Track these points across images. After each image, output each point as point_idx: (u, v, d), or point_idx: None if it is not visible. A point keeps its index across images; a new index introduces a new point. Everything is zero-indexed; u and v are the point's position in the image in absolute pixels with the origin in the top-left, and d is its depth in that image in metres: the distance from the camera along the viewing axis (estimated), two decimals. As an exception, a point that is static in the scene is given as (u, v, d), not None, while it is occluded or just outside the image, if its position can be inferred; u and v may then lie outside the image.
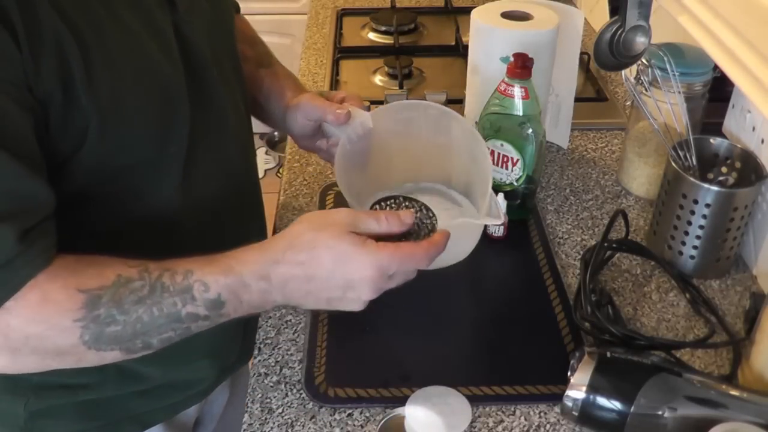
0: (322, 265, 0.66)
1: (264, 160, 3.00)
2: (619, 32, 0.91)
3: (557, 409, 0.79)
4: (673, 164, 0.94)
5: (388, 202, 0.79)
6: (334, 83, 1.45)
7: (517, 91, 0.96)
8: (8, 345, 0.62)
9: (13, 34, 0.57)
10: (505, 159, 1.01)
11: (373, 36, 1.67)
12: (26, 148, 0.61)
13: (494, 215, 0.81)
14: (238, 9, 1.06)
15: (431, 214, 0.78)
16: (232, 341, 0.92)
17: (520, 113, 0.97)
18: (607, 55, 0.93)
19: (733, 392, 0.73)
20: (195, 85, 0.75)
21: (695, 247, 0.95)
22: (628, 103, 1.27)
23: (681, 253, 0.96)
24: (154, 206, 0.75)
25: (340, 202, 1.10)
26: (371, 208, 0.80)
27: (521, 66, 0.95)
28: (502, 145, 1.00)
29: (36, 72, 0.59)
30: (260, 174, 2.94)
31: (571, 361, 0.77)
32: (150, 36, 0.69)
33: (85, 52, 0.62)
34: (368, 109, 0.94)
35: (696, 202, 0.91)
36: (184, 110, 0.74)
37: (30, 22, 0.58)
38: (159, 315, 0.64)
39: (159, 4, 0.72)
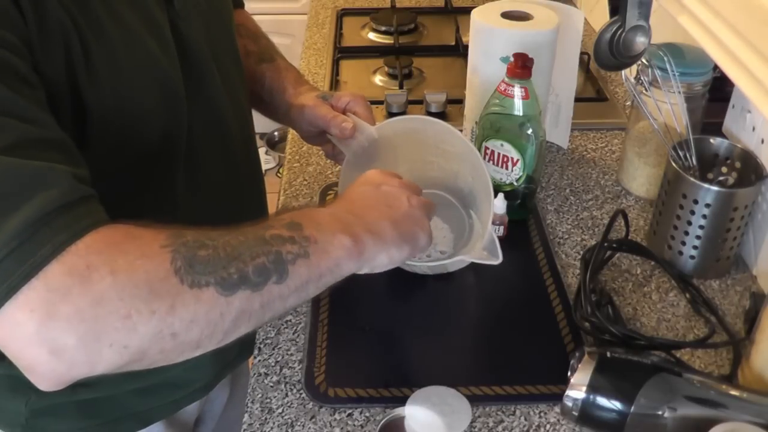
0: (351, 188, 0.74)
1: (264, 160, 3.00)
2: (619, 32, 0.91)
3: (557, 409, 0.79)
4: (673, 164, 0.94)
5: None
6: (334, 83, 1.45)
7: (517, 91, 0.96)
8: (90, 295, 0.52)
9: (24, 17, 0.57)
10: (505, 159, 1.01)
11: (373, 36, 1.67)
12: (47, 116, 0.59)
13: (492, 253, 0.83)
14: (241, 4, 1.05)
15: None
16: None
17: (520, 113, 0.97)
18: (607, 55, 0.93)
19: (733, 392, 0.73)
20: (192, 81, 0.75)
21: (695, 247, 0.95)
22: (628, 103, 1.27)
23: (681, 253, 0.96)
24: (155, 204, 0.75)
25: (340, 202, 1.10)
26: None
27: (521, 66, 0.95)
28: (502, 145, 1.00)
29: (44, 56, 0.59)
30: (260, 174, 2.94)
31: (571, 361, 0.77)
32: (148, 33, 0.70)
33: (86, 45, 0.62)
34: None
35: (696, 202, 0.91)
36: (182, 105, 0.74)
37: (37, 8, 0.58)
38: (245, 239, 0.60)
39: (156, 1, 0.72)
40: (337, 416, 0.80)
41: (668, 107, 0.98)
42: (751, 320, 0.85)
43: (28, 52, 0.58)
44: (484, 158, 1.02)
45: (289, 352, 0.87)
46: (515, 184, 1.03)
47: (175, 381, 0.88)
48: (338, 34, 1.66)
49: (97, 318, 0.52)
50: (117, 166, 0.69)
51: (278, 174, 2.90)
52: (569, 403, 0.73)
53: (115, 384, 0.82)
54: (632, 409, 0.71)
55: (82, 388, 0.81)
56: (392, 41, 1.62)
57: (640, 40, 0.91)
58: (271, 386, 0.83)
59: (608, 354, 0.76)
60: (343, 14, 1.76)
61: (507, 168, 1.01)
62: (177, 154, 0.75)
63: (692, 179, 0.92)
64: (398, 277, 0.93)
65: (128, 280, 0.53)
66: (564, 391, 0.74)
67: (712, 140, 0.99)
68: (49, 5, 0.59)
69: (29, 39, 0.58)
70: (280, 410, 0.81)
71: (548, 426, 0.79)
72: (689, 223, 0.93)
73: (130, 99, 0.67)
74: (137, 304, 0.53)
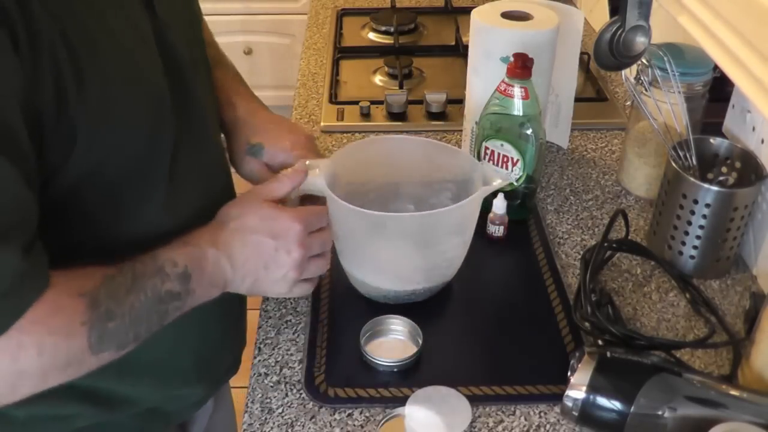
0: (251, 227, 0.75)
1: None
2: (619, 32, 0.91)
3: (557, 409, 0.79)
4: (673, 164, 0.94)
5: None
6: (334, 83, 1.45)
7: (517, 91, 0.96)
8: (15, 369, 0.60)
9: (15, 40, 0.55)
10: (505, 159, 1.01)
11: (373, 36, 1.67)
12: (24, 159, 0.59)
13: (500, 177, 0.86)
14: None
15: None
16: (221, 354, 0.91)
17: (520, 113, 0.97)
18: (607, 55, 0.93)
19: (733, 392, 0.73)
20: (178, 93, 0.73)
21: (695, 247, 0.95)
22: (628, 103, 1.27)
23: (681, 253, 0.96)
24: (140, 223, 0.73)
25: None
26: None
27: (521, 66, 0.95)
28: (502, 145, 1.00)
29: (35, 82, 0.58)
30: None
31: (571, 361, 0.77)
32: (135, 43, 0.68)
33: (76, 61, 0.60)
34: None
35: (696, 202, 0.91)
36: (169, 119, 0.71)
37: (29, 29, 0.56)
38: (146, 299, 0.67)
39: (139, 8, 0.69)
40: (337, 416, 0.80)
41: (668, 107, 0.98)
42: (751, 320, 0.85)
43: (23, 86, 0.56)
44: (484, 158, 1.02)
45: (289, 352, 0.87)
46: (515, 184, 1.03)
47: (167, 402, 0.86)
48: (338, 34, 1.66)
49: (18, 386, 0.62)
50: (103, 183, 0.67)
51: (278, 174, 2.89)
52: (569, 403, 0.73)
53: (107, 414, 0.80)
54: (632, 409, 0.71)
55: (73, 419, 0.79)
56: (392, 41, 1.62)
57: (640, 40, 0.91)
58: (271, 386, 0.83)
59: (608, 354, 0.76)
60: (343, 14, 1.76)
61: (507, 168, 1.01)
62: (162, 167, 0.72)
63: (692, 179, 0.92)
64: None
65: (51, 359, 0.62)
66: (564, 391, 0.74)
67: (712, 140, 0.99)
68: (39, 23, 0.57)
69: (24, 73, 0.56)
70: (280, 410, 0.81)
71: (548, 426, 0.79)
72: (689, 223, 0.93)
73: (119, 112, 0.65)
74: (51, 377, 0.64)
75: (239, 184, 0.88)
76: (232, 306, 0.89)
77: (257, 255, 0.75)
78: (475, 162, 0.90)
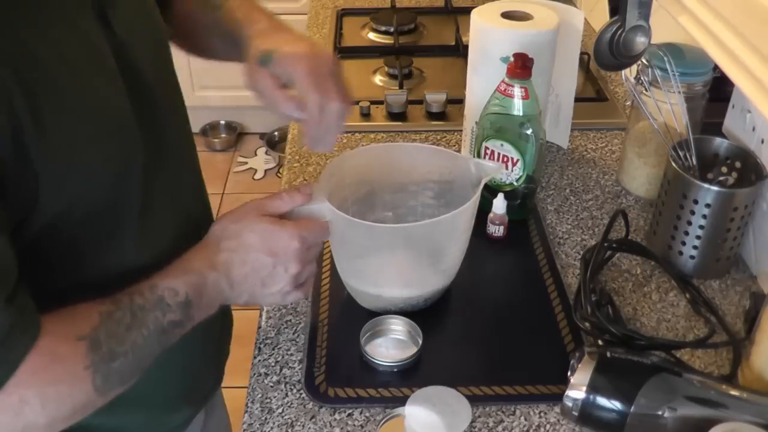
0: (251, 246, 0.74)
1: (264, 160, 3.00)
2: (619, 32, 0.91)
3: (557, 409, 0.79)
4: (673, 164, 0.94)
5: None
6: (334, 83, 1.45)
7: (517, 91, 0.96)
8: (20, 424, 0.59)
9: None
10: (505, 159, 1.01)
11: (373, 36, 1.67)
12: None
13: (492, 169, 0.85)
14: None
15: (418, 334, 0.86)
16: (206, 374, 0.91)
17: (520, 113, 0.97)
18: (607, 55, 0.93)
19: (733, 392, 0.73)
20: (145, 117, 0.68)
21: (695, 247, 0.95)
22: (628, 103, 1.27)
23: (681, 253, 0.96)
24: (116, 257, 0.70)
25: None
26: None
27: (521, 66, 0.95)
28: (502, 145, 1.00)
29: None
30: (260, 174, 2.94)
31: (571, 361, 0.77)
32: (95, 69, 0.63)
33: (33, 99, 0.55)
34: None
35: (696, 202, 0.92)
36: (138, 146, 0.68)
37: None
38: (148, 334, 0.66)
39: (94, 26, 0.64)
40: (337, 416, 0.80)
41: (668, 107, 0.98)
42: (751, 320, 0.85)
43: None
44: (484, 158, 1.02)
45: (289, 352, 0.87)
46: (515, 184, 1.03)
47: (157, 423, 0.85)
48: (338, 34, 1.66)
49: None
50: (74, 222, 0.64)
51: (278, 174, 2.90)
52: (569, 403, 0.73)
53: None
54: (632, 409, 0.71)
55: None
56: (392, 41, 1.62)
57: (640, 40, 0.91)
58: (271, 386, 0.83)
59: (608, 354, 0.76)
60: (343, 14, 1.76)
61: (507, 168, 1.01)
62: (133, 198, 0.69)
63: (692, 179, 0.92)
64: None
65: (57, 411, 0.61)
66: (564, 391, 0.74)
67: (712, 140, 0.99)
68: None
69: None
70: (280, 410, 0.81)
71: (548, 426, 0.79)
72: (689, 223, 0.93)
73: (83, 147, 0.61)
74: (61, 423, 0.62)
75: (226, 203, 0.86)
76: (215, 327, 0.89)
77: (255, 272, 0.75)
78: (457, 156, 0.89)
